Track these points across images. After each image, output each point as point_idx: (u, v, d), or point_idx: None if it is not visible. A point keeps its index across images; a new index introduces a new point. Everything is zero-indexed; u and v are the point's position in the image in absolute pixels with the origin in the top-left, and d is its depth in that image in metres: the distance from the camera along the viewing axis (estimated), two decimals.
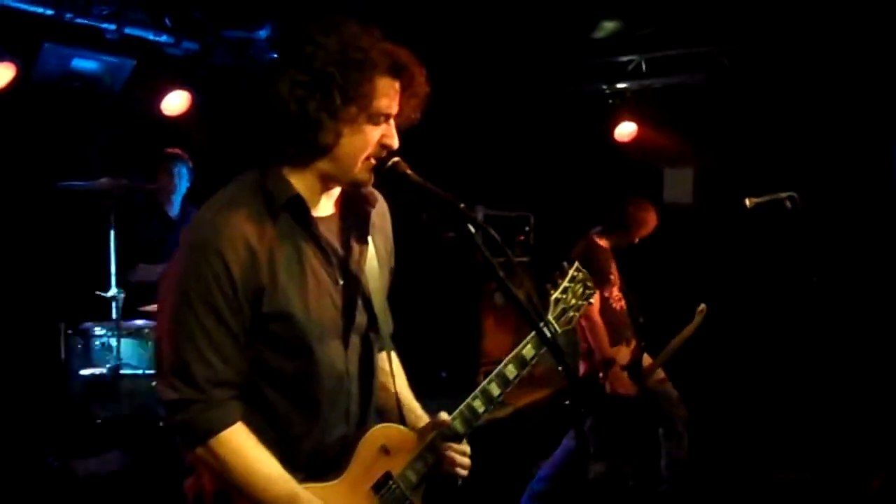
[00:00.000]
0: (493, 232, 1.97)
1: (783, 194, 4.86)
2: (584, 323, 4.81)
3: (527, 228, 7.43)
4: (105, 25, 5.27)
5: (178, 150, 5.41)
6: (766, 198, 4.89)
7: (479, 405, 2.10)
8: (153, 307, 4.68)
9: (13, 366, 4.95)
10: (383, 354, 2.17)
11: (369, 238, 2.05)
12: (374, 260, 2.06)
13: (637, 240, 5.08)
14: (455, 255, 6.81)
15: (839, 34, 5.87)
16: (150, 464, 4.49)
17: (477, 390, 2.13)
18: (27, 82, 4.89)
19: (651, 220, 5.06)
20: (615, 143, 7.08)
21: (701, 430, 5.31)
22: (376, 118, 1.87)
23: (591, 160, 7.31)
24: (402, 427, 2.08)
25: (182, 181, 5.38)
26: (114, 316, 4.66)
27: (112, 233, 4.67)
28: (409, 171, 1.97)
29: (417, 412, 2.18)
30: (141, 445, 4.55)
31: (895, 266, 6.30)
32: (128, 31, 5.36)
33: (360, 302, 2.01)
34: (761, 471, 5.58)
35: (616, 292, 5.03)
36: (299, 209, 1.89)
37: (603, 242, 5.06)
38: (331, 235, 1.97)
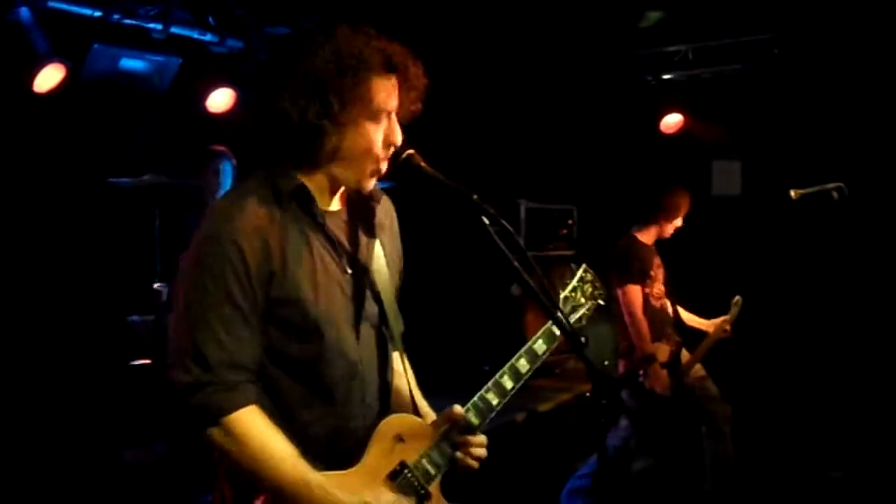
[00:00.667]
0: (506, 224, 1.98)
1: (830, 185, 4.76)
2: (626, 319, 4.81)
3: (570, 222, 7.38)
4: (151, 25, 5.39)
5: (222, 147, 5.48)
6: (813, 189, 4.79)
7: (492, 397, 2.11)
8: None
9: (63, 359, 5.09)
10: (396, 354, 2.19)
11: (377, 233, 2.09)
12: (381, 258, 2.09)
13: (674, 227, 5.01)
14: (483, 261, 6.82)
15: (887, 23, 5.71)
16: (195, 454, 4.60)
17: (490, 383, 2.14)
18: (77, 82, 5.02)
19: (682, 203, 4.98)
20: (661, 134, 6.99)
21: (746, 426, 5.22)
22: (377, 116, 1.91)
23: (636, 152, 7.22)
24: (417, 417, 2.09)
25: (226, 178, 5.43)
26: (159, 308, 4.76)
27: (157, 228, 4.76)
28: (422, 164, 1.99)
29: (430, 414, 2.18)
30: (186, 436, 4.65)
31: None
32: (173, 30, 5.47)
33: (369, 293, 2.04)
34: (808, 468, 5.46)
35: (658, 289, 4.98)
36: (305, 199, 1.94)
37: (643, 237, 5.02)
38: (338, 229, 2.01)
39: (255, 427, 1.83)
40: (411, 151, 1.98)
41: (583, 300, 2.34)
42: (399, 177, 2.02)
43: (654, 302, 4.93)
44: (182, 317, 1.86)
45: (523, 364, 2.17)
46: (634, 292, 4.81)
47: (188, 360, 1.82)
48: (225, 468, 1.94)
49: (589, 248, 7.20)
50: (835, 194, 4.73)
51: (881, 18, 5.70)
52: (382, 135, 1.93)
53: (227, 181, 5.41)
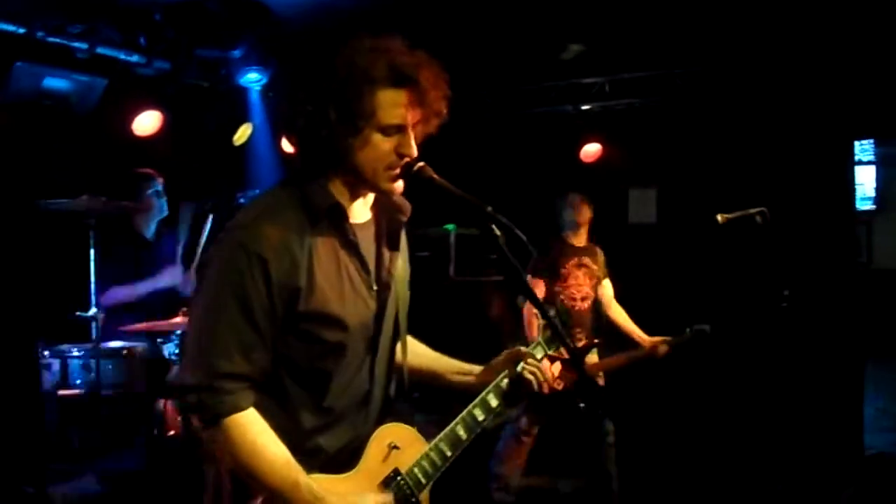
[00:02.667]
0: (519, 233, 2.03)
1: (753, 210, 5.02)
2: (524, 312, 5.12)
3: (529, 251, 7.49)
4: (77, 44, 5.24)
5: (152, 171, 5.34)
6: (737, 214, 5.05)
7: (446, 446, 2.15)
8: (134, 326, 4.61)
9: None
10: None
11: (401, 246, 2.13)
12: (399, 271, 2.13)
13: (580, 216, 5.35)
14: (429, 274, 6.86)
15: (793, 49, 6.10)
16: (126, 488, 4.41)
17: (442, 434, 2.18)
18: None
19: (571, 197, 5.41)
20: (581, 162, 7.21)
21: (675, 445, 5.39)
22: (387, 130, 1.91)
23: (558, 179, 7.41)
24: (409, 427, 2.13)
25: (163, 202, 5.29)
26: (93, 336, 4.57)
27: (92, 252, 4.58)
28: (434, 176, 2.01)
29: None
30: (115, 471, 4.48)
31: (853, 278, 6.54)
32: (99, 50, 5.34)
33: (389, 308, 2.08)
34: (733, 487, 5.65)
35: (577, 290, 5.23)
36: (338, 216, 1.96)
37: (564, 236, 5.41)
38: (366, 242, 2.04)
39: (251, 430, 1.85)
40: (422, 164, 2.00)
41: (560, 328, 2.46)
42: (411, 188, 2.05)
43: (565, 301, 5.18)
44: (199, 320, 1.89)
45: (479, 413, 2.21)
46: (533, 284, 5.03)
47: (196, 364, 1.86)
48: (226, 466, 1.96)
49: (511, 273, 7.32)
50: (758, 218, 5.00)
51: (785, 44, 6.07)
52: (392, 147, 1.93)
53: (163, 205, 5.26)
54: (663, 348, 5.03)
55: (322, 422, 1.97)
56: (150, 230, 5.25)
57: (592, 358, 5.01)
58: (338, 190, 1.97)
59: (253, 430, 1.85)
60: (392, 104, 1.89)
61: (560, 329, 2.17)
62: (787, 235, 5.15)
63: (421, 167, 2.00)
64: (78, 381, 4.56)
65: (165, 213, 5.19)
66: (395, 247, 2.11)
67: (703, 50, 6.44)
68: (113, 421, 4.53)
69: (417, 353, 2.35)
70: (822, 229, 6.50)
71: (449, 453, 2.13)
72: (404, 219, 2.12)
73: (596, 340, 4.80)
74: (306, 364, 1.93)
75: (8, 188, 5.10)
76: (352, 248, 1.98)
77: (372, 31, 1.85)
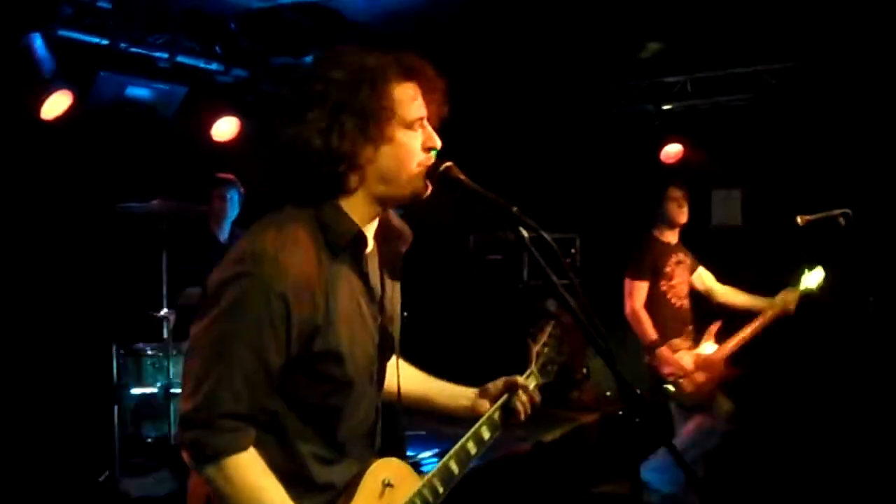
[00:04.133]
0: (547, 237, 1.96)
1: (836, 211, 4.79)
2: (626, 309, 4.92)
3: (573, 250, 7.39)
4: (158, 54, 5.42)
5: (229, 175, 5.49)
6: (819, 215, 4.83)
7: (437, 484, 2.06)
8: None
9: (66, 385, 5.04)
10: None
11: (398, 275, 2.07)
12: (396, 300, 2.07)
13: (681, 213, 5.06)
14: (502, 278, 6.81)
15: (883, 49, 5.80)
16: None
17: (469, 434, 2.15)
18: (83, 109, 5.02)
19: (678, 186, 5.11)
20: (662, 163, 7.04)
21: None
22: (411, 125, 1.84)
23: (637, 181, 7.26)
24: (402, 462, 2.05)
25: (233, 206, 5.44)
26: (165, 335, 4.71)
27: (164, 254, 4.73)
28: (461, 176, 1.93)
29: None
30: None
31: None
32: (180, 59, 5.52)
33: (391, 340, 2.01)
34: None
35: (680, 289, 5.02)
36: (358, 247, 1.87)
37: (660, 235, 5.09)
38: (373, 272, 1.96)
39: (251, 472, 1.75)
40: (450, 164, 1.92)
41: (553, 355, 2.37)
42: (439, 189, 1.99)
43: (673, 300, 4.97)
44: (206, 351, 1.74)
45: (471, 446, 2.14)
46: (632, 286, 4.92)
47: (198, 399, 1.72)
48: None
49: (592, 277, 7.21)
50: (841, 220, 4.77)
51: (873, 44, 5.78)
52: (420, 143, 1.87)
53: (234, 209, 5.41)
54: (791, 302, 4.83)
55: (328, 456, 1.89)
56: (224, 233, 5.41)
57: (724, 348, 4.84)
58: (357, 211, 1.86)
59: (253, 471, 1.75)
60: (410, 97, 1.84)
61: (596, 337, 2.09)
62: (874, 238, 4.89)
63: (448, 167, 1.92)
64: (151, 379, 4.71)
65: (234, 216, 5.32)
66: (396, 276, 2.03)
67: (789, 46, 6.19)
68: None
69: (408, 377, 2.25)
70: None
71: (441, 489, 2.04)
72: (405, 248, 2.03)
73: (585, 370, 4.73)
74: (315, 401, 1.84)
75: (89, 192, 5.32)
76: (363, 279, 1.89)
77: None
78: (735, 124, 6.89)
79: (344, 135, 1.77)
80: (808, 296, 4.86)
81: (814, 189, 6.13)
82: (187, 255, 4.95)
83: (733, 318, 5.04)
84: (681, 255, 5.10)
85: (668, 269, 5.01)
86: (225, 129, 5.93)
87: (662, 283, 4.97)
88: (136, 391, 4.75)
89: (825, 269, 4.93)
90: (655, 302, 4.93)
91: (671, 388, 4.85)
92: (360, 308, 1.88)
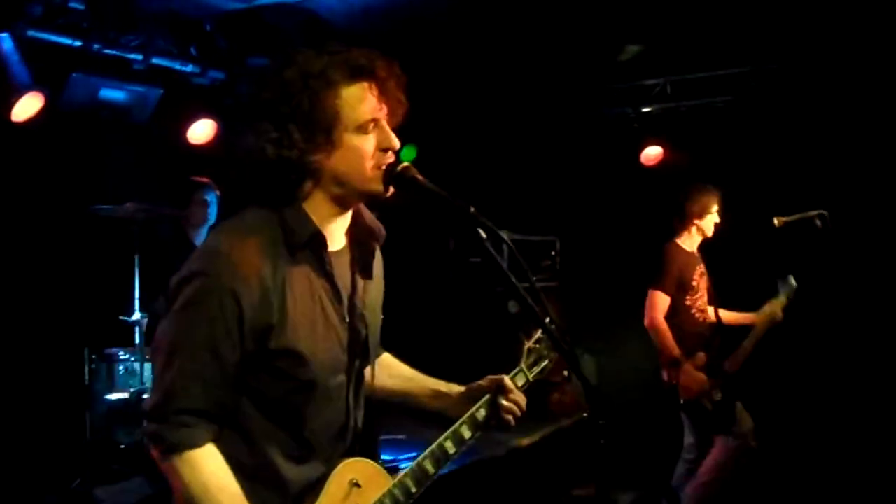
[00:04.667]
0: (504, 236, 1.95)
1: (813, 212, 4.81)
2: (646, 322, 4.71)
3: (553, 253, 7.37)
4: (132, 56, 5.37)
5: (206, 179, 5.43)
6: (796, 216, 4.84)
7: (410, 483, 2.04)
8: None
9: (37, 390, 4.98)
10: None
11: (374, 273, 2.05)
12: (371, 297, 2.06)
13: (711, 224, 4.87)
14: (482, 281, 6.77)
15: (861, 51, 5.81)
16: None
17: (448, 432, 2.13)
18: (55, 111, 4.96)
19: (709, 201, 4.85)
20: (642, 166, 7.03)
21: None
22: (363, 127, 1.84)
23: (617, 184, 7.26)
24: (372, 462, 2.03)
25: (212, 209, 5.37)
26: (137, 341, 4.66)
27: (137, 258, 4.68)
28: (418, 176, 1.92)
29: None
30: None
31: None
32: (154, 61, 5.45)
33: (361, 339, 1.99)
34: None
35: (702, 301, 4.84)
36: (317, 245, 1.87)
37: (683, 244, 4.88)
38: (341, 270, 1.95)
39: (206, 468, 1.78)
40: (406, 164, 1.92)
41: (545, 352, 2.34)
42: (395, 190, 1.97)
43: (696, 314, 4.79)
44: (165, 349, 1.80)
45: (450, 446, 2.11)
46: (657, 298, 4.70)
47: (158, 394, 1.79)
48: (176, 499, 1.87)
49: (572, 279, 7.20)
50: (817, 221, 4.79)
51: (852, 46, 5.79)
52: (374, 144, 1.86)
53: (213, 213, 5.34)
54: (778, 311, 4.80)
55: (295, 455, 1.89)
56: (199, 237, 5.35)
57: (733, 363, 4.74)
58: (318, 212, 1.87)
59: (207, 467, 1.78)
60: (359, 100, 1.82)
61: (558, 338, 2.08)
62: (850, 239, 4.90)
63: (405, 167, 1.91)
64: (123, 384, 4.66)
65: (212, 220, 5.26)
66: (368, 275, 2.02)
67: (768, 49, 6.20)
68: None
69: (392, 374, 2.26)
70: (887, 233, 6.15)
71: (413, 489, 2.02)
72: (378, 245, 2.03)
73: (566, 373, 4.65)
74: (278, 399, 1.85)
75: (61, 195, 5.25)
76: (328, 278, 1.89)
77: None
78: (714, 127, 6.88)
79: (293, 144, 1.79)
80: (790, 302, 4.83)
81: (791, 191, 6.14)
82: (161, 259, 4.89)
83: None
84: (702, 266, 4.89)
85: (694, 283, 4.79)
86: (201, 131, 5.88)
87: (688, 297, 4.76)
88: (108, 396, 4.70)
89: (795, 275, 4.91)
90: (678, 315, 4.72)
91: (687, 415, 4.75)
92: (324, 307, 1.89)
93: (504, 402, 2.17)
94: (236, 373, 1.79)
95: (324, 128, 1.79)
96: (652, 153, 7.03)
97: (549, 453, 5.75)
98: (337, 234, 1.94)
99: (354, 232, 1.99)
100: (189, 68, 5.73)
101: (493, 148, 7.22)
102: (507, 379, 2.21)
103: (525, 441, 5.57)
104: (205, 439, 1.79)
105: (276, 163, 1.79)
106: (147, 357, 4.68)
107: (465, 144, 7.08)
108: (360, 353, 2.00)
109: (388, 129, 1.89)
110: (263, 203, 1.86)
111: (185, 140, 5.86)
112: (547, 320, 2.05)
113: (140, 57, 5.37)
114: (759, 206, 5.58)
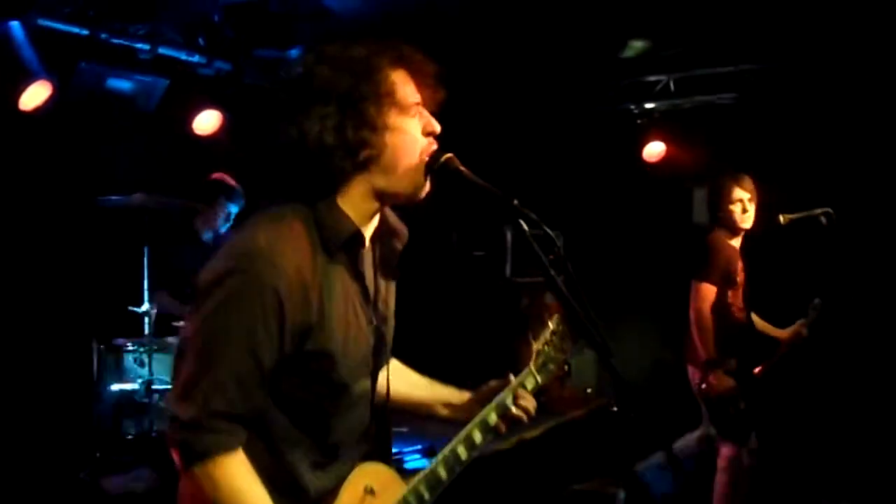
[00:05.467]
0: (547, 229, 1.95)
1: (818, 210, 4.83)
2: (692, 315, 4.50)
3: (555, 248, 7.37)
4: (139, 45, 5.34)
5: (235, 184, 5.32)
6: (801, 214, 4.86)
7: (423, 490, 2.01)
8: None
9: (45, 381, 4.96)
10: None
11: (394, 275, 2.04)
12: (391, 301, 2.05)
13: (745, 215, 4.61)
14: (486, 274, 6.78)
15: (868, 49, 5.84)
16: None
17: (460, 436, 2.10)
18: (63, 100, 4.93)
19: (725, 187, 4.60)
20: (644, 163, 7.05)
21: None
22: (408, 110, 1.82)
23: (619, 180, 7.27)
24: (385, 466, 2.02)
25: (230, 221, 5.30)
26: (146, 332, 4.65)
27: (146, 249, 4.67)
28: (461, 168, 1.91)
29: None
30: (171, 463, 4.53)
31: None
32: (161, 50, 5.43)
33: (385, 343, 1.99)
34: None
35: (742, 300, 4.63)
36: (355, 247, 1.84)
37: (723, 236, 4.64)
38: (368, 272, 1.93)
39: (237, 474, 1.73)
40: (450, 155, 1.90)
41: (553, 353, 2.30)
42: (438, 182, 1.97)
43: (737, 312, 4.60)
44: (199, 348, 1.72)
45: (462, 451, 2.08)
46: (705, 289, 4.48)
47: (190, 397, 1.70)
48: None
49: (574, 275, 7.20)
50: (823, 219, 4.81)
51: (858, 44, 5.82)
52: (420, 129, 1.86)
53: (227, 225, 5.27)
54: (804, 331, 4.77)
55: (317, 461, 1.86)
56: (207, 234, 5.29)
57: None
58: (355, 208, 1.83)
59: (238, 474, 1.73)
60: (404, 82, 1.83)
61: (595, 334, 2.07)
62: (856, 237, 4.93)
63: (448, 158, 1.89)
64: (132, 375, 4.65)
65: (223, 229, 5.21)
66: (391, 276, 2.00)
67: (772, 46, 6.22)
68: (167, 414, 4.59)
69: (402, 380, 2.22)
70: (893, 231, 6.20)
71: (427, 496, 1.99)
72: (401, 246, 2.01)
73: (567, 367, 4.59)
74: (308, 403, 1.81)
75: (69, 185, 5.23)
76: (359, 278, 1.87)
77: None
78: (718, 124, 6.91)
79: (357, 124, 1.76)
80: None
81: (796, 188, 6.17)
82: (166, 250, 4.87)
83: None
84: (741, 263, 4.67)
85: (739, 279, 4.58)
86: (207, 122, 5.85)
87: (731, 292, 4.55)
88: (116, 387, 4.69)
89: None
90: (718, 313, 4.52)
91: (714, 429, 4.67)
92: (356, 309, 1.85)
93: (514, 407, 2.15)
94: (271, 376, 1.74)
95: (380, 109, 1.78)
96: (654, 150, 7.04)
97: (553, 447, 5.76)
98: (368, 233, 1.91)
99: (378, 232, 1.96)
100: (195, 58, 5.70)
101: (495, 143, 7.21)
102: (516, 382, 2.18)
103: (530, 434, 5.59)
104: (237, 444, 1.74)
105: (339, 148, 1.76)
106: (155, 348, 4.67)
107: (467, 139, 7.04)
108: (382, 358, 1.99)
109: (428, 114, 1.89)
110: (296, 198, 1.82)
111: (191, 130, 5.83)
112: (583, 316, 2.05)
113: (147, 47, 5.35)
114: (764, 203, 5.61)
